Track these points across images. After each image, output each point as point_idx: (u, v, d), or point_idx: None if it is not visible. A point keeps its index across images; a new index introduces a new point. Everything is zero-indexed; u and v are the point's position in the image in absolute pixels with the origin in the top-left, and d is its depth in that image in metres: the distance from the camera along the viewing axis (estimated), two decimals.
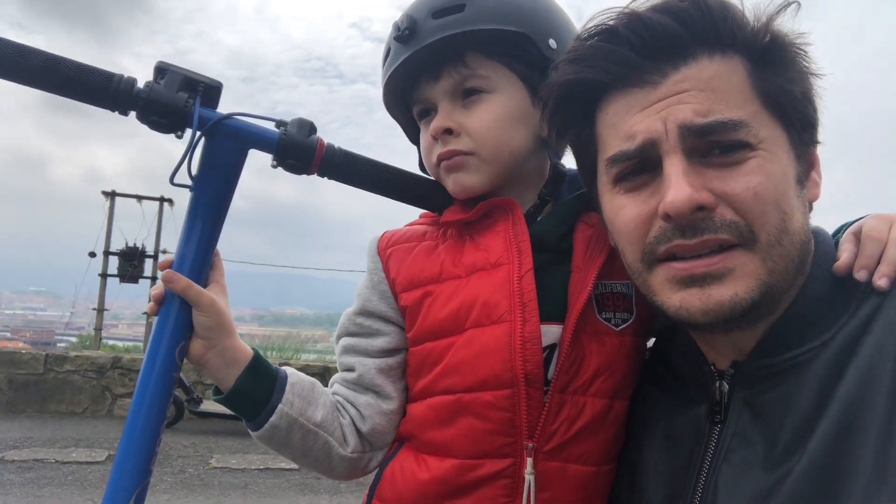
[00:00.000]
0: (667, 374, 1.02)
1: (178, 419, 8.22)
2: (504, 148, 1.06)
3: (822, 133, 0.89)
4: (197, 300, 0.99)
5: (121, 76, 0.92)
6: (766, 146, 0.81)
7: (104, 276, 18.77)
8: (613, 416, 1.02)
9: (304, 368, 9.35)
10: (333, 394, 1.12)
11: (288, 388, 1.04)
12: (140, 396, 0.97)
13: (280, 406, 1.02)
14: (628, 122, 0.86)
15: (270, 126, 1.01)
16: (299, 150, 1.00)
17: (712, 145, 0.81)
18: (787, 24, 0.84)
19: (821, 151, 0.90)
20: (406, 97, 1.14)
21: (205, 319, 1.00)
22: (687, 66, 0.83)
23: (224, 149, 1.00)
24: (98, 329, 18.64)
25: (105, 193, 18.99)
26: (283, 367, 1.09)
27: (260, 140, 1.00)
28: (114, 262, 18.68)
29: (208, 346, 1.01)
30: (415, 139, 1.20)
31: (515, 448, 0.98)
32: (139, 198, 19.20)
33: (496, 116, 1.06)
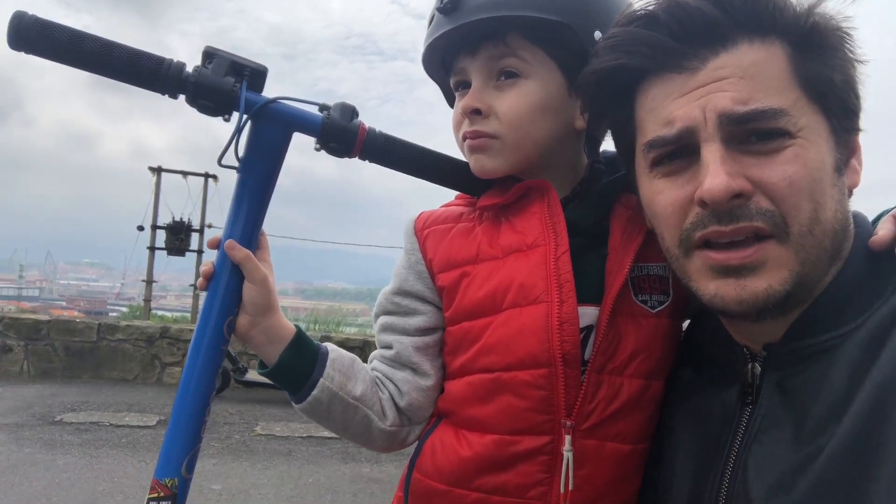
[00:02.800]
0: (700, 355, 1.03)
1: (224, 388, 8.47)
2: (529, 136, 1.06)
3: (867, 119, 0.88)
4: (253, 273, 1.03)
5: (170, 61, 0.95)
6: (804, 134, 0.81)
7: (152, 248, 19.25)
8: (650, 397, 1.03)
9: (344, 342, 9.53)
10: (373, 369, 1.15)
11: (329, 363, 1.08)
12: (190, 368, 1.01)
13: (321, 380, 1.06)
14: (667, 107, 0.86)
15: (314, 110, 1.04)
16: (342, 133, 1.02)
17: (750, 133, 0.81)
18: (831, 8, 0.83)
19: (876, 134, 0.89)
20: (446, 63, 1.15)
21: (255, 295, 1.03)
22: (727, 51, 0.83)
23: (269, 132, 1.02)
24: (147, 300, 19.19)
25: (151, 169, 19.41)
26: (325, 344, 1.12)
27: (304, 124, 1.03)
28: (161, 236, 19.13)
29: (254, 322, 1.05)
30: (452, 103, 1.21)
31: (553, 425, 0.99)
32: (184, 173, 19.57)
33: (527, 103, 1.05)
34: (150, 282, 19.09)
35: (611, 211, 1.09)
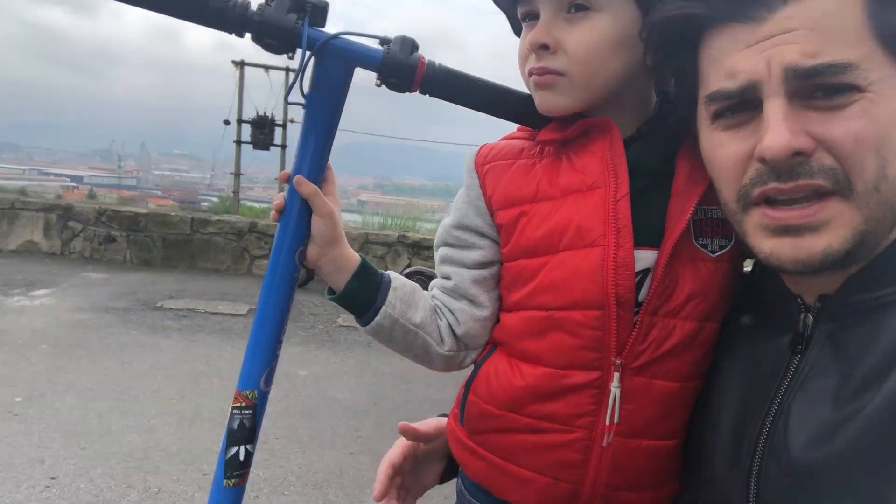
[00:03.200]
0: (757, 300, 1.02)
1: (308, 280, 8.92)
2: (599, 74, 1.03)
3: None
4: (320, 207, 1.07)
5: (235, 0, 0.96)
6: (875, 88, 0.76)
7: (238, 142, 19.81)
8: (703, 338, 1.03)
9: (420, 241, 9.75)
10: (433, 297, 1.20)
11: (391, 292, 1.13)
12: (266, 295, 1.09)
13: (384, 307, 1.12)
14: (731, 59, 0.83)
15: (374, 43, 1.04)
16: (401, 68, 1.02)
17: (817, 87, 0.77)
18: None
19: None
20: None
21: (322, 227, 1.08)
22: (796, 1, 0.78)
23: (332, 67, 1.04)
24: (236, 192, 19.96)
25: (234, 63, 19.68)
26: (388, 273, 1.17)
27: (364, 59, 1.03)
28: (247, 130, 19.59)
29: (322, 253, 1.10)
30: (518, 33, 1.17)
31: (603, 363, 1.01)
32: (266, 67, 19.75)
33: (598, 38, 1.01)
34: (237, 175, 19.81)
35: (678, 151, 1.05)
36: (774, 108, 0.78)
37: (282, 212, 1.09)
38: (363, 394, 5.40)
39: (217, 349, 6.13)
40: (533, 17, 1.07)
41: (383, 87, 1.06)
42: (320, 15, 1.01)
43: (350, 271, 1.13)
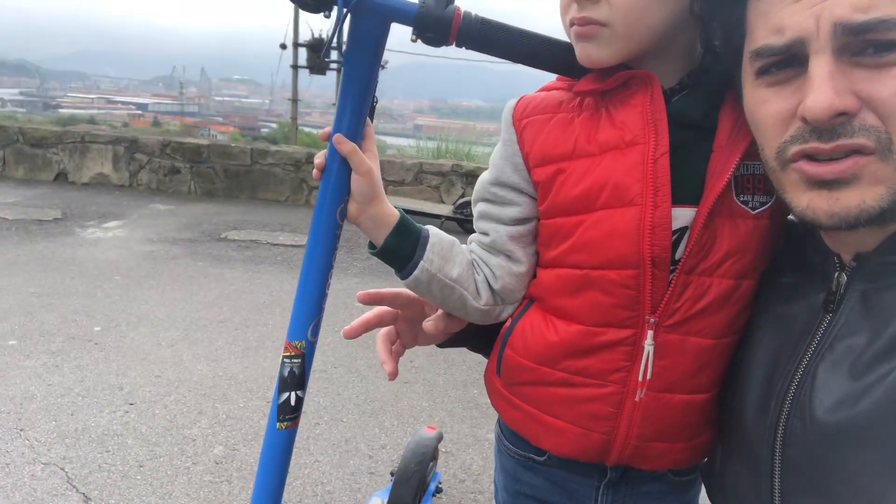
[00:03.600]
0: (796, 257, 1.01)
1: None
2: (643, 23, 0.98)
3: None
4: (359, 165, 1.09)
5: None
6: None
7: (295, 67, 19.76)
8: (739, 296, 1.02)
9: (474, 171, 9.69)
10: (470, 252, 1.21)
11: (429, 247, 1.14)
12: (311, 251, 1.13)
13: (422, 263, 1.13)
14: (779, 13, 0.79)
15: None
16: (436, 21, 1.01)
17: (867, 44, 0.74)
18: None
19: None
20: None
21: (362, 185, 1.10)
22: None
23: (368, 24, 1.03)
24: (294, 118, 20.09)
25: None
26: (428, 228, 1.18)
27: (399, 13, 1.02)
28: (303, 54, 19.47)
29: (361, 210, 1.12)
30: None
31: (637, 321, 1.02)
32: None
33: None
34: (295, 101, 19.90)
35: (721, 105, 1.02)
36: (820, 66, 0.76)
37: (322, 170, 1.11)
38: None
39: (278, 279, 6.35)
40: None
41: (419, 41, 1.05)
42: None
43: (389, 227, 1.14)
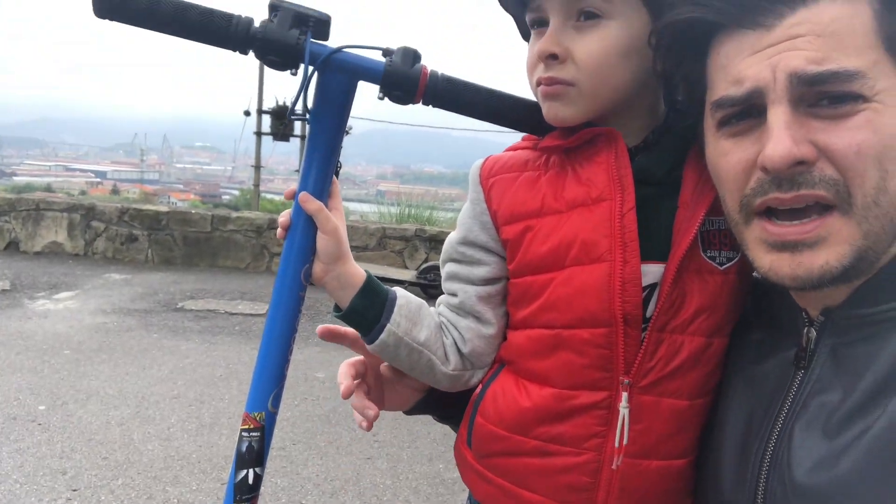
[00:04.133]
0: (764, 313, 1.00)
1: None
2: (609, 83, 1.00)
3: None
4: (325, 224, 1.06)
5: (239, 17, 0.96)
6: (881, 98, 0.74)
7: (259, 133, 19.91)
8: (711, 354, 1.01)
9: (437, 235, 9.72)
10: (439, 314, 1.18)
11: (396, 309, 1.11)
12: (273, 314, 1.08)
13: (388, 326, 1.10)
14: (738, 65, 0.82)
15: (377, 55, 1.03)
16: (403, 80, 1.01)
17: (822, 95, 0.76)
18: None
19: None
20: None
21: (328, 243, 1.07)
22: (806, 7, 0.76)
23: (335, 82, 1.03)
24: (256, 185, 20.10)
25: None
26: (394, 289, 1.15)
27: (367, 72, 1.02)
28: (266, 121, 19.66)
29: (327, 269, 1.09)
30: (528, 38, 1.14)
31: (611, 382, 1.00)
32: None
33: (608, 47, 0.98)
34: (258, 167, 19.93)
35: (685, 161, 1.03)
36: (778, 115, 0.77)
37: (287, 229, 1.08)
38: None
39: (236, 350, 6.16)
40: (542, 23, 1.05)
41: (386, 99, 1.05)
42: (322, 29, 1.00)
43: (355, 288, 1.11)
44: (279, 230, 1.10)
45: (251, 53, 0.99)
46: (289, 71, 0.99)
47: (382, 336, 1.10)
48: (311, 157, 1.06)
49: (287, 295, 1.08)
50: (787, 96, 0.77)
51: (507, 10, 1.12)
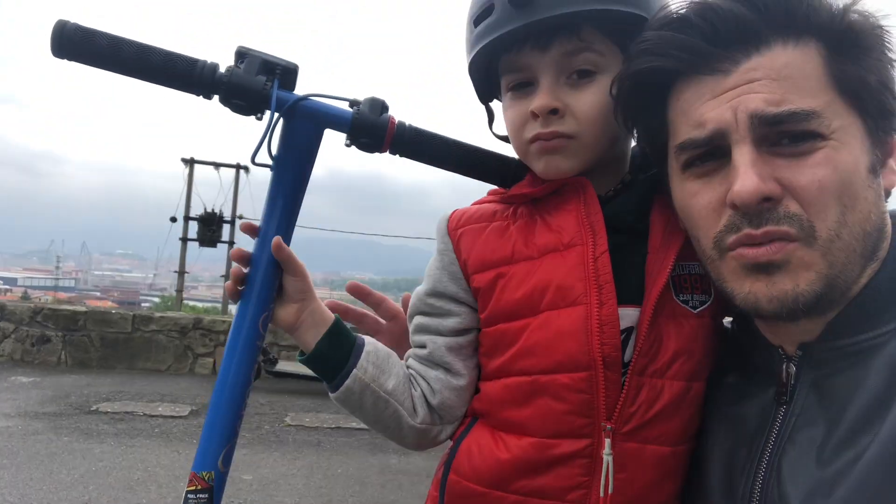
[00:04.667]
0: (739, 355, 1.01)
1: (255, 378, 8.60)
2: (607, 134, 1.03)
3: None
4: (295, 268, 1.05)
5: (204, 62, 0.97)
6: (837, 136, 0.79)
7: (184, 240, 19.58)
8: (691, 398, 1.00)
9: None
10: (408, 367, 1.14)
11: (364, 355, 1.08)
12: (227, 364, 1.03)
13: (354, 371, 1.06)
14: (699, 109, 0.85)
15: (344, 105, 1.04)
16: (371, 129, 1.03)
17: (782, 135, 0.80)
18: (867, 6, 0.81)
19: None
20: (494, 58, 1.08)
21: (298, 283, 1.06)
22: (760, 53, 0.81)
23: (301, 129, 1.03)
24: (179, 291, 19.53)
25: (184, 160, 19.72)
26: (363, 337, 1.12)
27: (334, 120, 1.03)
28: (193, 227, 19.44)
29: (300, 309, 1.07)
30: (487, 99, 1.17)
31: (593, 429, 0.97)
32: (216, 165, 19.88)
33: (605, 100, 1.00)
34: (182, 273, 19.45)
35: (651, 208, 1.06)
36: (743, 154, 0.80)
37: (238, 281, 1.05)
38: (312, 498, 5.10)
39: (155, 454, 5.74)
40: (525, 85, 1.05)
41: (353, 147, 1.05)
42: (290, 77, 1.01)
43: (322, 329, 1.08)
44: (230, 284, 1.06)
45: (216, 98, 0.99)
46: (254, 116, 1.00)
47: (348, 382, 1.06)
48: (274, 203, 1.05)
49: (243, 344, 1.03)
50: (749, 136, 0.80)
51: (475, 75, 1.13)
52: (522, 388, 1.01)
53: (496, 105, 1.17)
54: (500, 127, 1.14)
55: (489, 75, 1.11)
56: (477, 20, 1.04)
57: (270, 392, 8.37)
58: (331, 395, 1.10)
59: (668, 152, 0.93)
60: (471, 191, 1.24)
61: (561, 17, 0.96)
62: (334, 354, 1.08)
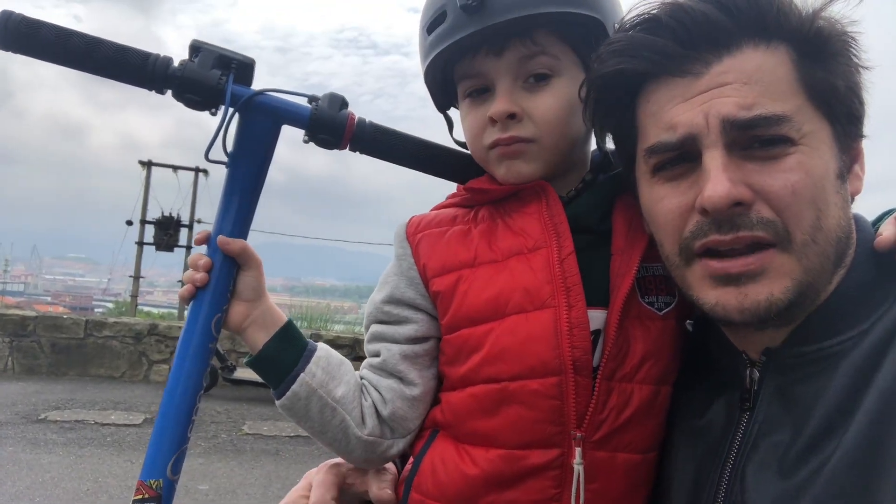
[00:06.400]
0: (701, 359, 1.01)
1: (212, 386, 8.41)
2: (567, 136, 1.03)
3: (869, 123, 0.86)
4: (250, 261, 1.04)
5: (157, 56, 0.95)
6: (807, 141, 0.79)
7: (140, 244, 19.14)
8: (660, 403, 1.00)
9: (334, 340, 9.48)
10: (361, 377, 1.11)
11: (314, 359, 1.05)
12: (178, 367, 1.00)
13: (302, 375, 1.03)
14: (669, 112, 0.85)
15: (303, 101, 1.02)
16: (330, 125, 1.01)
17: (753, 139, 0.80)
18: (836, 12, 0.81)
19: (873, 132, 0.88)
20: (449, 66, 1.07)
21: (252, 279, 1.04)
22: (731, 56, 0.81)
23: (257, 125, 1.02)
24: (134, 296, 19.06)
25: (142, 163, 19.29)
26: (318, 343, 1.09)
27: (292, 115, 1.02)
28: (150, 231, 19.02)
29: (251, 307, 1.04)
30: (444, 107, 1.16)
31: (563, 438, 0.95)
32: (175, 168, 19.48)
33: (562, 102, 1.01)
34: (137, 277, 18.96)
35: (612, 210, 1.06)
36: (714, 158, 0.80)
37: (194, 284, 1.02)
38: None
39: (106, 464, 5.58)
40: (481, 91, 1.05)
41: (311, 143, 1.03)
42: (246, 72, 0.99)
43: (272, 331, 1.05)
44: (188, 287, 1.02)
45: (169, 93, 0.97)
46: (208, 111, 0.98)
47: (294, 386, 1.03)
48: (230, 200, 1.03)
49: (195, 347, 1.01)
50: (721, 141, 0.79)
51: (432, 83, 1.12)
52: (491, 396, 0.99)
53: (454, 113, 1.16)
54: (462, 133, 1.13)
55: (445, 83, 1.11)
56: (430, 28, 1.03)
57: (228, 400, 8.21)
58: (276, 402, 1.06)
59: (637, 155, 0.93)
60: (437, 198, 1.23)
61: (514, 21, 0.96)
62: (283, 357, 1.05)
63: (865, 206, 0.93)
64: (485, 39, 0.99)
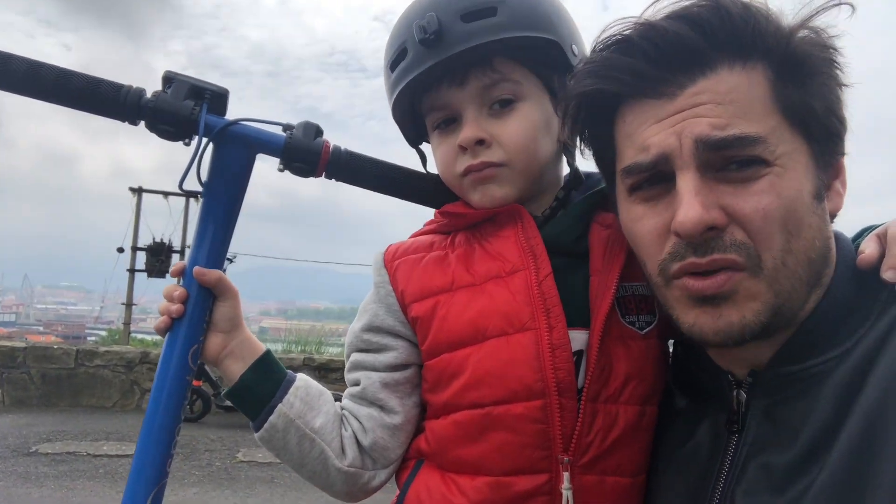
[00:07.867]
0: (686, 380, 1.00)
1: (204, 413, 8.33)
2: (537, 157, 1.04)
3: (852, 136, 0.85)
4: (226, 291, 1.03)
5: (129, 87, 0.95)
6: (782, 162, 0.79)
7: (132, 271, 19.08)
8: (646, 423, 0.99)
9: (328, 363, 9.42)
10: (341, 407, 1.11)
11: (292, 390, 1.05)
12: (155, 401, 0.99)
13: (279, 406, 1.02)
14: (643, 133, 0.84)
15: (278, 130, 1.03)
16: (305, 153, 1.02)
17: (728, 160, 0.79)
18: (817, 24, 0.81)
19: (855, 141, 0.86)
20: (415, 101, 1.09)
21: (228, 310, 1.04)
22: (705, 77, 0.80)
23: (231, 154, 1.02)
24: (127, 323, 18.96)
25: (132, 190, 19.29)
26: (297, 374, 1.09)
27: (265, 144, 1.02)
28: (141, 258, 18.97)
29: (228, 338, 1.04)
30: (416, 142, 1.17)
31: (550, 462, 0.95)
32: (165, 194, 19.48)
33: (529, 125, 1.02)
34: (129, 305, 18.88)
35: (589, 229, 1.06)
36: (686, 181, 0.79)
37: (170, 315, 1.01)
38: None
39: (99, 496, 5.48)
40: (449, 122, 1.06)
41: (287, 172, 1.04)
42: (220, 102, 1.00)
43: (251, 361, 1.05)
44: (164, 319, 1.01)
45: (142, 124, 0.97)
46: (182, 142, 0.98)
47: (272, 418, 1.02)
48: (204, 230, 1.03)
49: (172, 379, 1.00)
50: (694, 162, 0.79)
51: (400, 119, 1.13)
52: (475, 422, 0.98)
53: (427, 148, 1.17)
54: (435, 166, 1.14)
55: (414, 118, 1.12)
56: (393, 65, 1.05)
57: (221, 427, 8.12)
58: (255, 434, 1.05)
59: (616, 174, 0.93)
60: (427, 216, 1.23)
61: (471, 50, 0.97)
62: (260, 388, 1.04)
63: (859, 218, 0.92)
64: (446, 71, 1.01)
